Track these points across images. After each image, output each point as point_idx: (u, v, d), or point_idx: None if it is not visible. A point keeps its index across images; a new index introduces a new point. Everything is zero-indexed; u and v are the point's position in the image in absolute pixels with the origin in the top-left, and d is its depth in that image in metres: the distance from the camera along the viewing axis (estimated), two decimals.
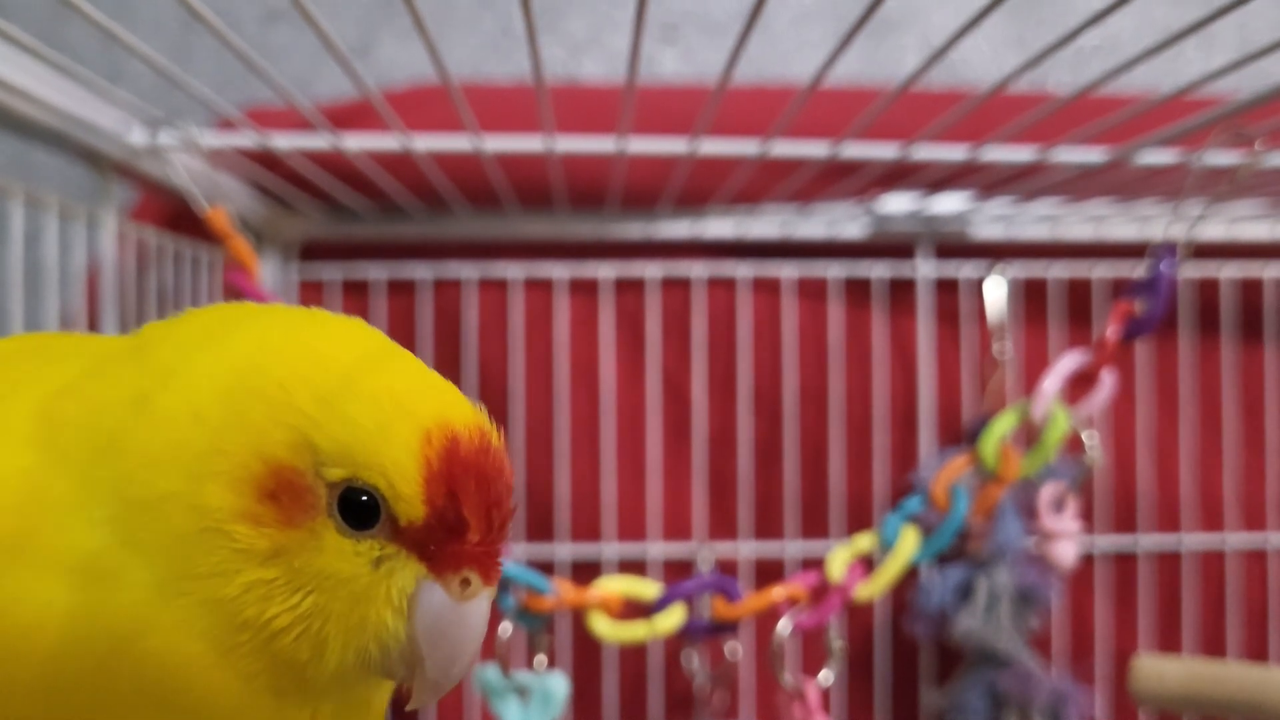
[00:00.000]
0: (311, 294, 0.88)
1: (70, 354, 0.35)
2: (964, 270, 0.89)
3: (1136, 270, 0.81)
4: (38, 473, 0.31)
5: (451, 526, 0.32)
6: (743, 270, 0.89)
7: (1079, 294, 0.90)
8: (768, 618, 0.71)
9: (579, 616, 0.69)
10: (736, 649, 0.78)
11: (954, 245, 0.90)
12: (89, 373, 0.33)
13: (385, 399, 0.32)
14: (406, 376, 0.33)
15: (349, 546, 0.31)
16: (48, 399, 0.32)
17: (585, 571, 0.86)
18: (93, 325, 0.69)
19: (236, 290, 0.69)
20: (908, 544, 0.70)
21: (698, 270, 0.89)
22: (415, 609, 0.32)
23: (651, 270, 0.89)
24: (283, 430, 0.31)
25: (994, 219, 0.89)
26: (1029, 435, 0.75)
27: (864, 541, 0.71)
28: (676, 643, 0.83)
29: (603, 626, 0.68)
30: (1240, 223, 0.88)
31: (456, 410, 0.33)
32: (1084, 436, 0.78)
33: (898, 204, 0.88)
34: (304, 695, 0.32)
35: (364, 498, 0.31)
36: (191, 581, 0.30)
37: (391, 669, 0.33)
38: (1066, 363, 0.74)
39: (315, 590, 0.31)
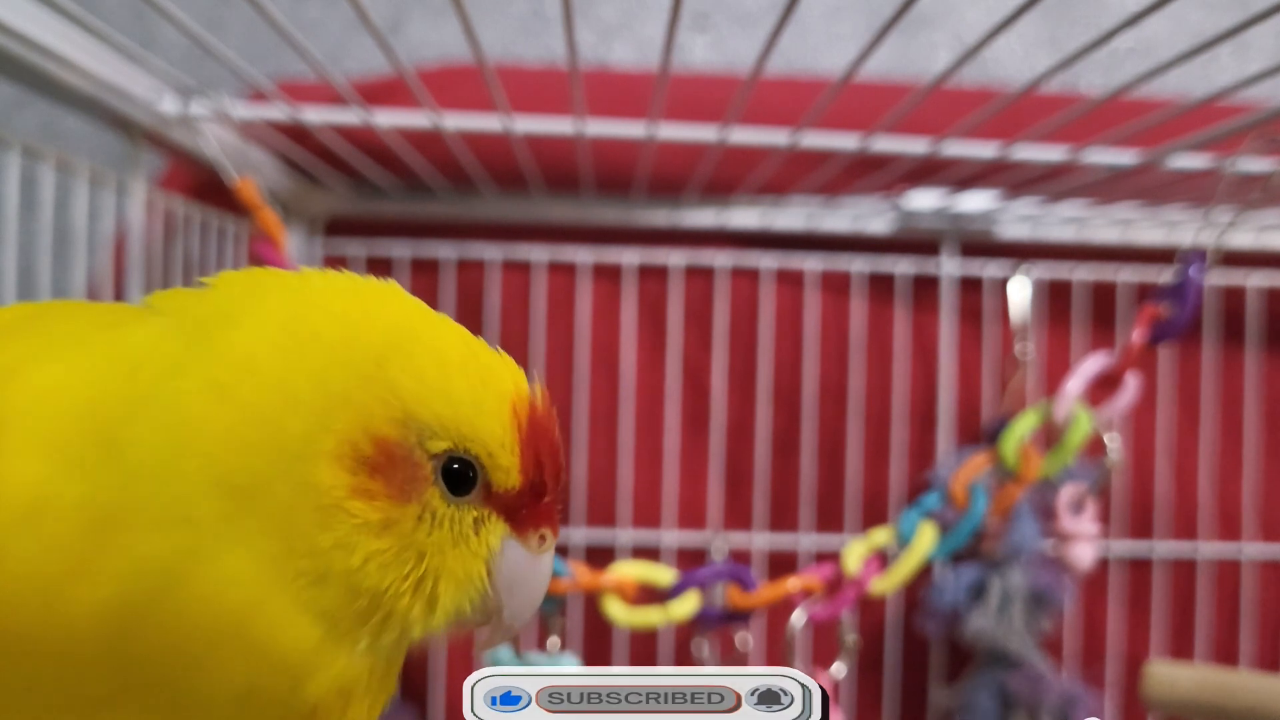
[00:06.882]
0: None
1: (82, 329, 0.34)
2: (988, 269, 0.89)
3: (1162, 275, 0.81)
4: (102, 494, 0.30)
5: (536, 491, 0.36)
6: (766, 261, 0.89)
7: (1103, 297, 0.89)
8: (778, 609, 0.71)
9: (591, 600, 0.70)
10: (747, 639, 0.78)
11: (979, 244, 0.89)
12: (133, 360, 0.32)
13: (476, 374, 0.34)
14: (482, 349, 0.36)
15: (455, 513, 0.34)
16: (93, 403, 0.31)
17: (599, 556, 0.86)
18: (119, 292, 0.70)
19: (262, 262, 0.69)
20: (924, 540, 0.70)
21: (721, 260, 0.89)
22: (497, 564, 0.35)
23: (675, 258, 0.89)
24: (386, 408, 0.32)
25: (1020, 219, 0.89)
26: (1048, 436, 0.75)
27: (880, 536, 0.70)
28: (687, 630, 0.83)
29: (617, 611, 0.68)
30: (1269, 231, 0.88)
31: (524, 381, 0.36)
32: (1105, 439, 0.77)
33: (924, 200, 0.88)
34: (398, 650, 0.34)
35: (456, 465, 0.34)
36: (303, 559, 0.31)
37: (473, 619, 0.36)
38: (1090, 365, 0.73)
39: (430, 554, 0.33)
